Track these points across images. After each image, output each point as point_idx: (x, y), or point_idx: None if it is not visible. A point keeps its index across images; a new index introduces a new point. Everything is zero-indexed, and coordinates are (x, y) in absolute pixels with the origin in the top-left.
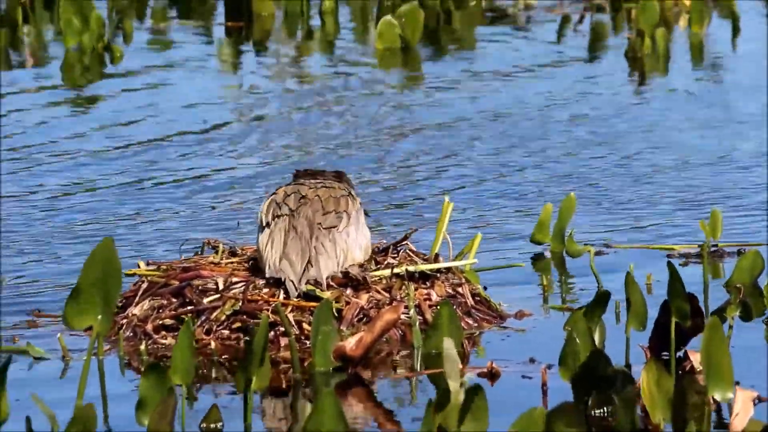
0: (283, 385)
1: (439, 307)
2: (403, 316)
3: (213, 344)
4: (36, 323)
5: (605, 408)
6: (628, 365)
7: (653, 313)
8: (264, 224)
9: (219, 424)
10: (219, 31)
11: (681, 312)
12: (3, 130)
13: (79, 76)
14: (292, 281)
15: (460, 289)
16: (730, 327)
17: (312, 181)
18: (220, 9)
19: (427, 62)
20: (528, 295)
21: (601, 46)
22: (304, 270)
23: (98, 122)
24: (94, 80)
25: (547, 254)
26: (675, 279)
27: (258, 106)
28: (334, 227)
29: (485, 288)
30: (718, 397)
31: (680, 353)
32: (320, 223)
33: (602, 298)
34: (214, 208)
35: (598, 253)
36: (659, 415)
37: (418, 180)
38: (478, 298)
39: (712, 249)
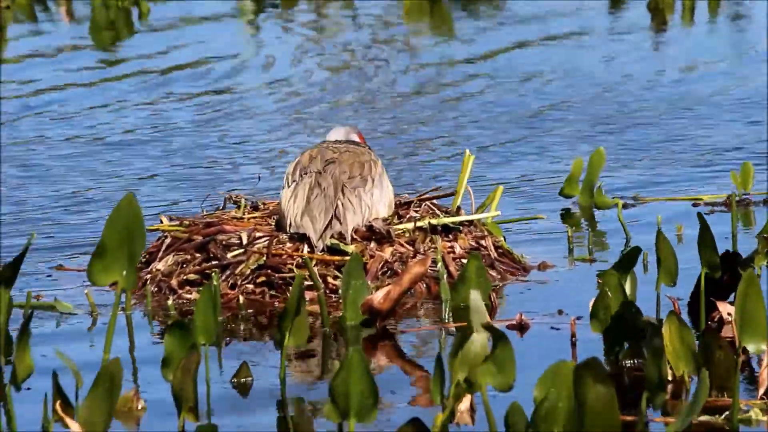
0: (310, 338)
1: (466, 261)
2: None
3: (241, 299)
4: (59, 278)
5: (636, 359)
6: (659, 319)
7: (684, 265)
8: (290, 183)
9: (249, 380)
10: None
11: (711, 264)
12: (32, 86)
13: (106, 31)
14: (311, 238)
15: (483, 242)
16: (758, 276)
17: (335, 145)
18: None
19: (455, 18)
20: (553, 247)
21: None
22: (326, 227)
23: (124, 77)
24: (121, 36)
25: (575, 208)
26: (705, 231)
27: (281, 63)
28: (359, 188)
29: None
30: (751, 349)
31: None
32: (345, 185)
33: (633, 254)
34: (235, 163)
35: (625, 206)
36: (682, 368)
37: (443, 134)
38: (501, 251)
39: (740, 199)
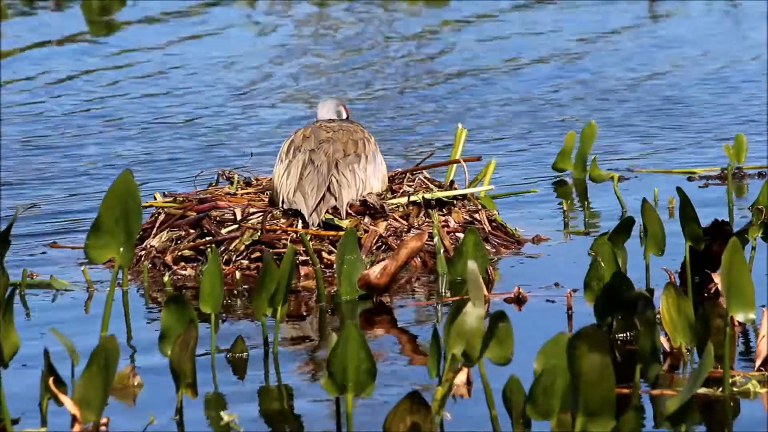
0: (305, 314)
1: (464, 235)
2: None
3: (238, 275)
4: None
5: (629, 332)
6: (649, 289)
7: (675, 238)
8: (283, 161)
9: (244, 354)
10: None
11: (693, 236)
12: (25, 68)
13: (98, 14)
14: (303, 214)
15: (477, 216)
16: (753, 248)
17: (328, 125)
18: None
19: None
20: (548, 220)
21: None
22: (319, 203)
23: (118, 58)
24: (113, 14)
25: (569, 180)
26: (686, 204)
27: (275, 38)
28: (353, 164)
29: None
30: (740, 318)
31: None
32: (339, 161)
33: (626, 224)
34: (227, 137)
35: (620, 179)
36: (680, 339)
37: (439, 107)
38: (495, 224)
39: (734, 171)
